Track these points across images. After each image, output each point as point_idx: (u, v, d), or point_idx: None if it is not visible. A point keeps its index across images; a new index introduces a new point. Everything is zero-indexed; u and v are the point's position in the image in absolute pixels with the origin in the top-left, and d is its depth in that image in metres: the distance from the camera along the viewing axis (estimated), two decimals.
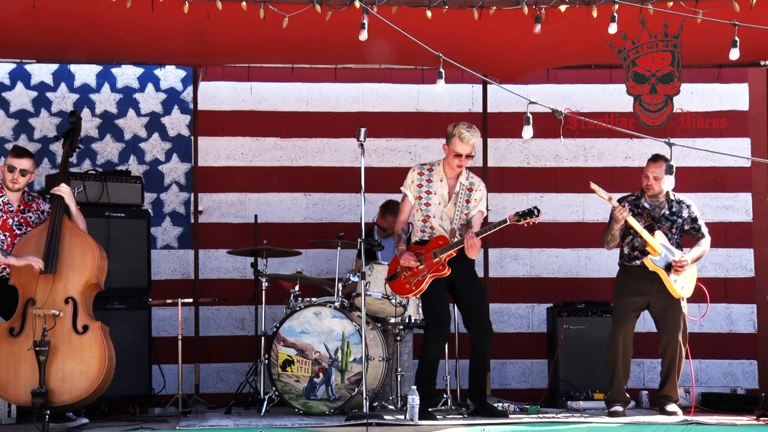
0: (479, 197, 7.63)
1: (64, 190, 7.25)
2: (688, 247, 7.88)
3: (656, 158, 7.80)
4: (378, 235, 8.93)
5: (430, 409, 7.42)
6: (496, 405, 7.87)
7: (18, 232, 7.31)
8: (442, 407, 7.99)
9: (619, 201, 7.79)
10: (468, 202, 7.60)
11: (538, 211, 7.32)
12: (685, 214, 7.90)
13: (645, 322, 8.15)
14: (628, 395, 7.90)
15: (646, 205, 7.87)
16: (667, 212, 7.86)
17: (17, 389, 6.92)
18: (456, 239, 7.45)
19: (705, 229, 7.95)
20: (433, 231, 7.58)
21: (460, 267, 7.50)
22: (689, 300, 7.85)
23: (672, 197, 7.90)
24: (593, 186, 7.63)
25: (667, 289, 7.70)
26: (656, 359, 8.37)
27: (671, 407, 7.68)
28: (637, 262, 7.82)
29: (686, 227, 7.91)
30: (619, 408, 7.72)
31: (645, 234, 7.68)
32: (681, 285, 7.71)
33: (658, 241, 7.70)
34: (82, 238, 7.23)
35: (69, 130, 7.63)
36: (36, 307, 6.99)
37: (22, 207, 7.38)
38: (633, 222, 7.67)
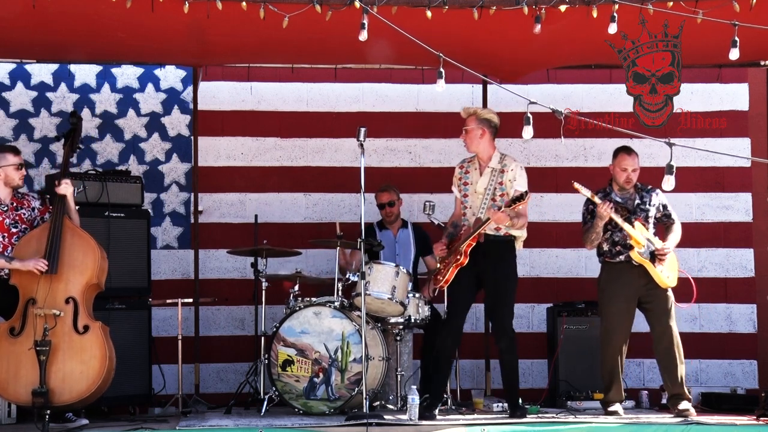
0: (512, 177, 7.61)
1: (66, 189, 7.26)
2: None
3: (628, 150, 7.83)
4: (381, 221, 8.85)
5: (435, 411, 7.45)
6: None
7: (14, 230, 7.31)
8: (442, 407, 7.99)
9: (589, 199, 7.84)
10: (501, 184, 7.60)
11: (527, 193, 7.38)
12: (655, 201, 7.90)
13: (645, 323, 8.14)
14: (624, 393, 7.95)
15: (618, 199, 7.85)
16: (639, 202, 7.87)
17: (18, 389, 6.93)
18: (475, 227, 7.49)
19: (675, 214, 7.97)
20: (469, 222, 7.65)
21: (488, 260, 7.55)
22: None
23: (639, 186, 7.91)
24: (576, 185, 7.65)
25: (655, 281, 7.74)
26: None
27: (684, 405, 7.61)
28: (620, 257, 7.83)
29: (657, 215, 7.91)
30: (618, 407, 7.74)
31: (627, 227, 7.68)
32: (667, 274, 7.76)
33: (639, 232, 7.71)
34: (83, 238, 7.24)
35: (69, 131, 7.64)
36: (37, 306, 6.99)
37: (15, 204, 7.39)
38: (616, 217, 7.67)
